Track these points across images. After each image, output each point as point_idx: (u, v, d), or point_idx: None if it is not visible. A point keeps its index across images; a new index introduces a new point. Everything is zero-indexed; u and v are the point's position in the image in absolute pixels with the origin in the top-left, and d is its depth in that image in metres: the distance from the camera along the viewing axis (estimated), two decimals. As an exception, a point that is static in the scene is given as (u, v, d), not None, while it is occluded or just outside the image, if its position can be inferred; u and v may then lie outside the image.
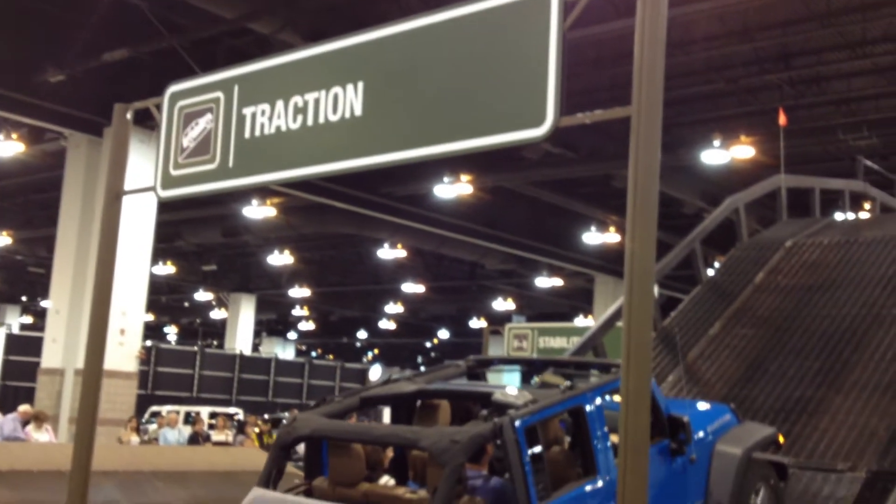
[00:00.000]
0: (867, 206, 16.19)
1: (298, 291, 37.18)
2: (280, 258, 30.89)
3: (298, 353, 54.69)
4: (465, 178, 20.33)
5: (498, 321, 36.05)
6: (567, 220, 25.74)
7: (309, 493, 5.33)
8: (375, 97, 4.81)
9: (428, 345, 55.46)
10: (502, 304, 38.86)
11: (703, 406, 7.10)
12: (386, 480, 5.55)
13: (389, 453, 6.11)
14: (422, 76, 4.65)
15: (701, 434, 6.27)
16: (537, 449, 4.98)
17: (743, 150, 17.82)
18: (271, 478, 5.30)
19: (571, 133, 18.53)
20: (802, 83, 17.33)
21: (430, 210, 23.24)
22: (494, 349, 26.34)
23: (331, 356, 54.15)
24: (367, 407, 6.01)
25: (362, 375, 40.60)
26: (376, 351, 59.17)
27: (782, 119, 13.34)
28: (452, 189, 20.83)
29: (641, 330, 3.91)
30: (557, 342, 19.48)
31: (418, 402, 5.99)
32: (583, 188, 23.57)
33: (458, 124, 4.48)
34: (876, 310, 9.40)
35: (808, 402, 8.24)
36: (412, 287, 35.50)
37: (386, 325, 47.85)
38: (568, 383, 5.48)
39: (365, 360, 57.44)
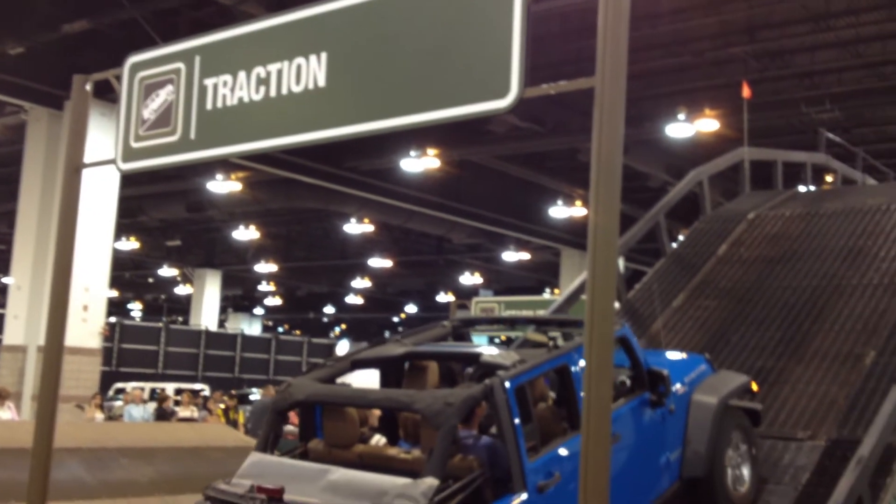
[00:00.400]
0: (829, 178, 16.39)
1: (264, 267, 36.97)
2: (245, 233, 30.66)
3: (265, 328, 54.50)
4: (431, 151, 20.28)
5: (465, 295, 36.13)
6: (534, 194, 25.79)
7: (305, 455, 5.49)
8: (339, 68, 4.76)
9: (395, 319, 55.50)
10: (469, 279, 38.96)
11: (679, 356, 7.30)
12: (377, 440, 5.71)
13: (377, 412, 6.23)
14: (385, 47, 4.61)
15: (678, 385, 6.47)
16: (526, 408, 5.13)
17: (707, 124, 17.93)
18: (269, 442, 5.48)
19: (537, 107, 18.53)
20: (766, 56, 17.44)
21: (396, 184, 23.17)
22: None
23: (297, 332, 54.04)
24: (357, 370, 6.10)
25: (329, 351, 40.52)
26: (343, 326, 59.13)
27: (746, 92, 13.43)
28: (419, 163, 20.76)
29: (605, 302, 3.93)
30: (524, 315, 19.57)
31: (406, 364, 6.09)
32: (549, 162, 23.62)
33: (422, 96, 4.44)
34: (836, 281, 9.53)
35: (769, 372, 8.35)
36: (379, 262, 35.45)
37: (353, 299, 47.80)
38: (552, 343, 5.63)
39: (332, 335, 57.38)
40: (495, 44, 4.18)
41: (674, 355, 7.38)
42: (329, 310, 52.95)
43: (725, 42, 16.78)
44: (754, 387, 7.19)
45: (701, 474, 6.37)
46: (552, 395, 5.86)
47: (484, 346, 6.04)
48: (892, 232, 10.05)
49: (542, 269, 35.54)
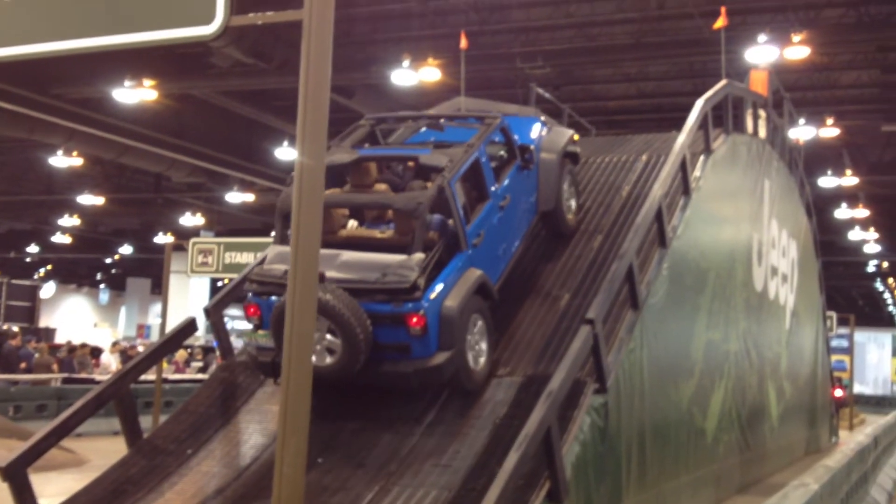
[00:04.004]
0: (539, 132, 17.27)
1: (-44, 200, 33.49)
2: (-68, 162, 27.54)
3: (-43, 268, 49.53)
4: (147, 82, 19.15)
5: (186, 237, 34.64)
6: (260, 133, 25.20)
7: None
8: (24, -22, 4.29)
9: (108, 261, 52.41)
10: (191, 219, 37.46)
11: (527, 124, 9.66)
12: (352, 224, 7.80)
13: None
14: (79, -41, 4.21)
15: (534, 149, 9.15)
16: (458, 188, 7.55)
17: (430, 73, 18.30)
18: (283, 237, 7.38)
19: (264, 43, 18.00)
20: (486, 10, 18.02)
21: (109, 116, 21.68)
22: (178, 265, 25.42)
23: (-4, 272, 49.59)
24: None
25: (33, 293, 37.74)
26: (50, 267, 55.00)
27: (463, 43, 13.80)
28: (134, 94, 19.55)
29: (310, 240, 3.90)
30: (245, 258, 19.18)
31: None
32: (276, 101, 23.12)
33: (120, 17, 4.11)
34: (538, 229, 10.12)
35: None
36: (90, 199, 33.13)
37: (60, 238, 44.45)
38: (467, 145, 7.96)
39: (36, 276, 53.29)
40: (201, -34, 3.95)
41: (522, 121, 9.68)
42: (33, 249, 48.93)
43: (449, -8, 17.11)
44: (576, 137, 9.91)
45: (551, 208, 9.31)
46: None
47: (419, 149, 8.25)
48: (588, 184, 10.83)
49: (268, 211, 34.69)
